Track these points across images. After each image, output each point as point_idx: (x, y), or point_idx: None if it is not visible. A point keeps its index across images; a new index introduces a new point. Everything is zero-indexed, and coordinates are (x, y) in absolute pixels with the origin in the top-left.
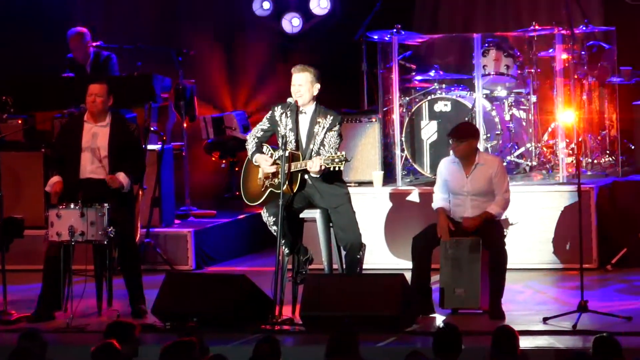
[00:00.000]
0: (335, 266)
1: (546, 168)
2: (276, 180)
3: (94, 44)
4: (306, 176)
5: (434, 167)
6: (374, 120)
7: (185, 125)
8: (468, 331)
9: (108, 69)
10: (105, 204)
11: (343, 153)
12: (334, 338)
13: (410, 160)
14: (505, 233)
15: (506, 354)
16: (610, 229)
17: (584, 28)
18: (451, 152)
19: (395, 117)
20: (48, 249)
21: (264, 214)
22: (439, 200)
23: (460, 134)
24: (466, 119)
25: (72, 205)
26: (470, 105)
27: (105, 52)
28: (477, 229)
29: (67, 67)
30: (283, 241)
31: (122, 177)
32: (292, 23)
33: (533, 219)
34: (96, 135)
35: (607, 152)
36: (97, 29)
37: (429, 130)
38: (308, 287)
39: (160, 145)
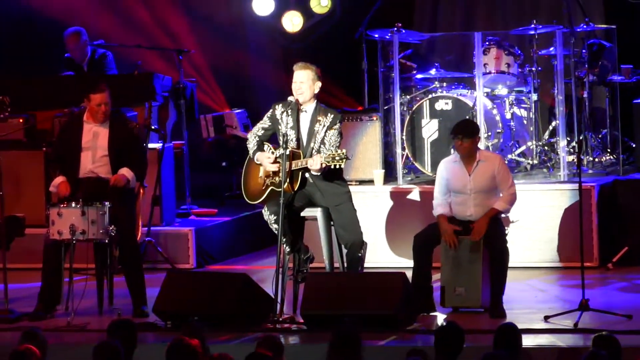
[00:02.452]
0: (336, 264)
1: (547, 166)
2: (277, 178)
3: (95, 42)
4: (307, 174)
5: (434, 166)
6: (374, 118)
7: (185, 123)
8: (469, 330)
9: (104, 66)
10: (106, 203)
11: (344, 151)
12: (336, 336)
13: (411, 159)
14: (506, 231)
15: (509, 351)
16: (611, 227)
17: (585, 26)
18: (452, 150)
19: (396, 115)
20: (47, 247)
21: (265, 212)
22: (439, 205)
23: (466, 131)
24: (467, 117)
25: (73, 204)
26: (471, 104)
27: (100, 49)
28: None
29: (65, 67)
30: (284, 240)
31: (125, 171)
32: (292, 22)
33: (534, 218)
34: (97, 135)
35: (608, 150)
36: (97, 28)
37: (429, 129)
38: (309, 286)
39: (161, 144)
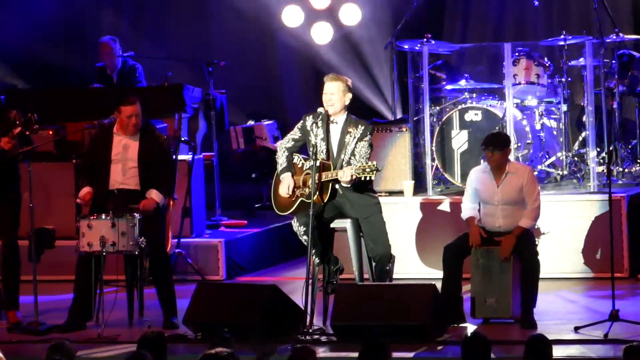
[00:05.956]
0: (366, 275)
1: (577, 177)
2: (307, 189)
3: (126, 54)
4: (337, 186)
5: (464, 177)
6: (404, 129)
7: (215, 135)
8: (499, 340)
9: (133, 78)
10: (136, 214)
11: (374, 163)
12: (366, 348)
13: (441, 170)
14: (536, 242)
15: None
16: None
17: (615, 37)
18: (482, 161)
19: (426, 126)
20: (79, 259)
21: (295, 223)
22: (468, 209)
23: (497, 143)
24: (497, 128)
25: (103, 216)
26: (500, 115)
27: (131, 61)
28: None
29: (96, 77)
30: (314, 251)
31: (154, 194)
32: (322, 33)
33: (564, 228)
34: (127, 147)
35: (638, 161)
36: (126, 41)
37: (459, 140)
38: (339, 297)
39: (191, 156)
